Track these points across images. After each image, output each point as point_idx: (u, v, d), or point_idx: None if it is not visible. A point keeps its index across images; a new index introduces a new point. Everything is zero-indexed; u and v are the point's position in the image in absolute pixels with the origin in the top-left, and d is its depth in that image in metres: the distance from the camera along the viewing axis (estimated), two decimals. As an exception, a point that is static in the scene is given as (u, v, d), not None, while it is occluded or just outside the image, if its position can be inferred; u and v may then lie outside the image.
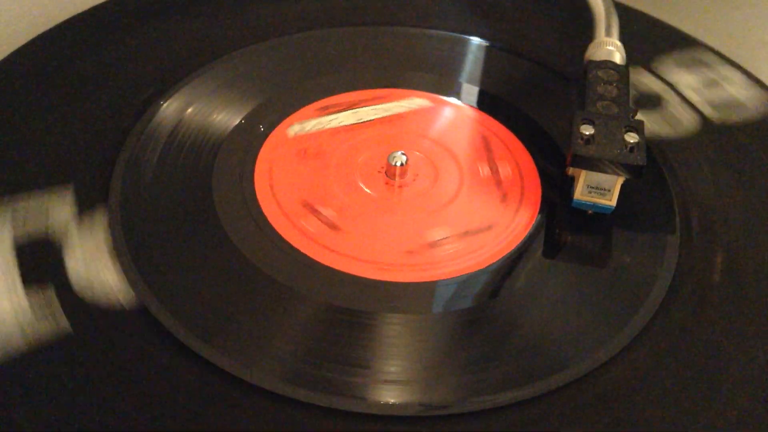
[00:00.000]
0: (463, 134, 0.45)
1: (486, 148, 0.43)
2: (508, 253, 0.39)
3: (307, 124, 0.44)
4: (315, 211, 0.40)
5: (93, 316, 0.34)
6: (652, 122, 0.46)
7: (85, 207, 0.39)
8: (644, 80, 0.49)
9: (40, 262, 0.36)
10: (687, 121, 0.46)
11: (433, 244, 0.39)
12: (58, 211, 0.38)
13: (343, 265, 0.38)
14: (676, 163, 0.44)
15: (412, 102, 0.46)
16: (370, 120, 0.45)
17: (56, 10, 0.50)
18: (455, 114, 0.46)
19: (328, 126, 0.44)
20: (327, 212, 0.40)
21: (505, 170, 0.42)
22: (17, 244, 0.37)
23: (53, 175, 0.40)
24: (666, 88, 0.48)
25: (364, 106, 0.46)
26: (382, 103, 0.46)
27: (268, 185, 0.41)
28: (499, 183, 0.42)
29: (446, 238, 0.39)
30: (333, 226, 0.39)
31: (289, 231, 0.39)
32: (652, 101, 0.47)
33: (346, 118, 0.45)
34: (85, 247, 0.37)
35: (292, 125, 0.44)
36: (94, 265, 0.36)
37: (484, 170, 0.42)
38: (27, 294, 0.35)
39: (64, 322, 0.34)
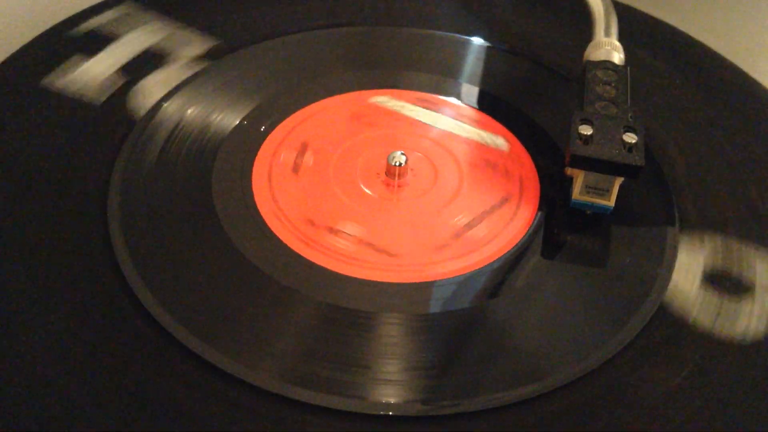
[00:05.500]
0: (494, 182, 0.43)
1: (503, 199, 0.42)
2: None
3: (393, 102, 0.44)
4: (303, 153, 0.42)
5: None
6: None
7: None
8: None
9: None
10: None
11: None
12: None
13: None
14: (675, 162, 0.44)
15: (495, 139, 0.45)
16: (441, 129, 0.45)
17: (56, 9, 0.50)
18: (511, 166, 0.44)
19: (403, 112, 0.45)
20: (307, 157, 0.41)
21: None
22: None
23: (54, 176, 0.40)
24: None
25: (451, 118, 0.46)
26: (470, 125, 0.45)
27: (295, 136, 0.43)
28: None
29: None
30: (295, 169, 0.41)
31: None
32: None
33: (425, 116, 0.45)
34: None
35: (383, 96, 0.46)
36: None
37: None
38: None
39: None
